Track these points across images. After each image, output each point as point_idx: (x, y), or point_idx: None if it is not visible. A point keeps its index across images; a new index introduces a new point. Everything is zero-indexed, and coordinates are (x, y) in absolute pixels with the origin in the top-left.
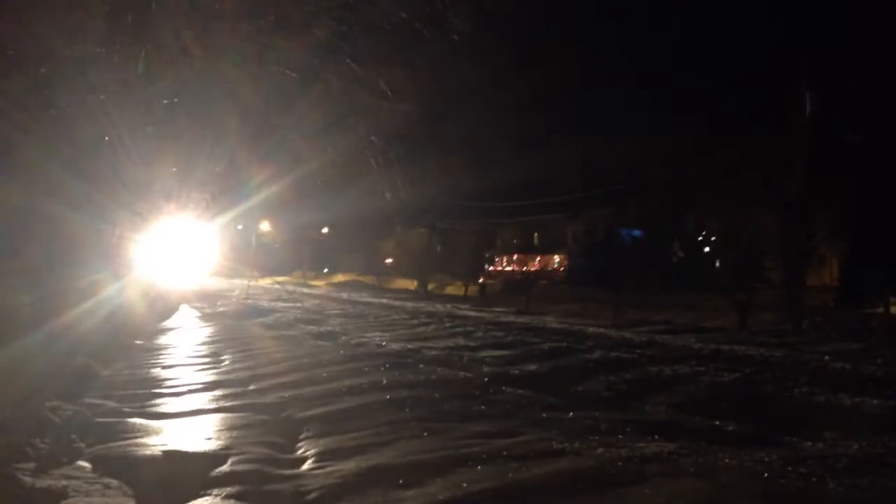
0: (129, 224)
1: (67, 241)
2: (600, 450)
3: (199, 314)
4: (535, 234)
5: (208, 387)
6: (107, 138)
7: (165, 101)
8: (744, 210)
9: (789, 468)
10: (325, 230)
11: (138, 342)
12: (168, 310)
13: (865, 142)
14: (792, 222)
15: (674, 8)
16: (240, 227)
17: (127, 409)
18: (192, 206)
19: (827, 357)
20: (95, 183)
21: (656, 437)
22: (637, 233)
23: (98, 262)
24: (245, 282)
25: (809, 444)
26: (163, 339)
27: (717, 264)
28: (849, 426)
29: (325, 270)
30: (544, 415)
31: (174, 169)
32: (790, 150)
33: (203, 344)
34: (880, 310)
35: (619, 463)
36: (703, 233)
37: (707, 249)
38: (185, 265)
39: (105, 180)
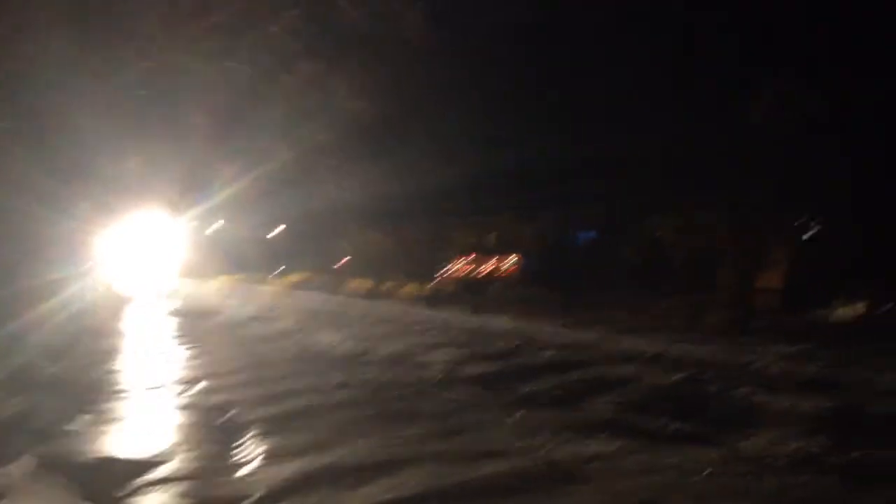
0: (96, 220)
1: (31, 237)
2: (546, 449)
3: (154, 313)
4: (491, 234)
5: (155, 387)
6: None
7: (133, 94)
8: (697, 212)
9: (729, 466)
10: (279, 228)
11: (87, 342)
12: (124, 309)
13: (816, 145)
14: (742, 225)
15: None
16: (215, 225)
17: (70, 410)
18: (160, 202)
19: (771, 358)
20: (61, 177)
21: (602, 436)
22: (592, 234)
23: (63, 258)
24: (205, 281)
25: (749, 442)
26: (113, 339)
27: (670, 266)
28: (787, 426)
29: (282, 268)
30: (493, 415)
31: (142, 164)
32: (743, 152)
33: (152, 343)
34: (826, 312)
35: (565, 462)
36: (657, 234)
37: (660, 252)
38: (151, 263)
39: (71, 175)
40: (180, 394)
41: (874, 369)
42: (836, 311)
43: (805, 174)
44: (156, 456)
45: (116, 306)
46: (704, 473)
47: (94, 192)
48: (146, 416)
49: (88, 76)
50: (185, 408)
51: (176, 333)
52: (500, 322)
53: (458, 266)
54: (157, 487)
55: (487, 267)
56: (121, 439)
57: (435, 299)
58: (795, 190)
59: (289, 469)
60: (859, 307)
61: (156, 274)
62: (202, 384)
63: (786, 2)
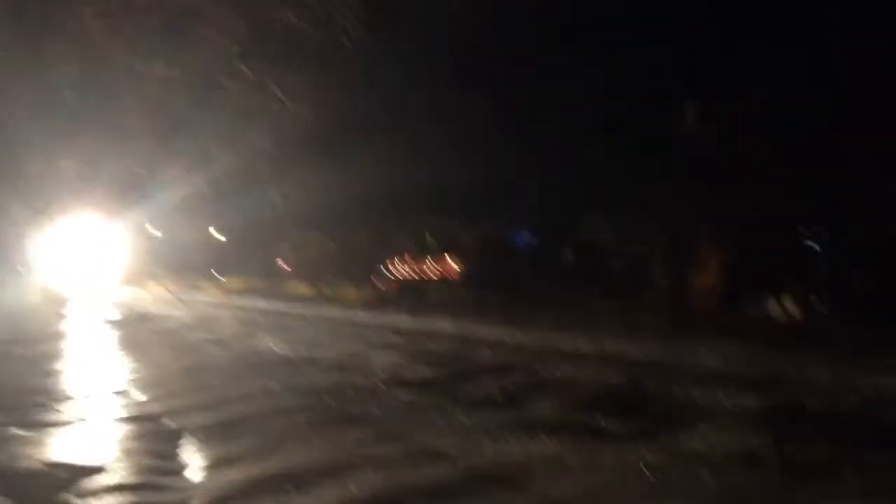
0: (31, 222)
1: None
2: (489, 450)
3: (89, 319)
4: (431, 238)
5: (91, 395)
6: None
7: (66, 94)
8: (634, 214)
9: (670, 463)
10: (220, 233)
11: (20, 349)
12: (59, 313)
13: (749, 151)
14: (677, 226)
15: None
16: (154, 230)
17: (1, 419)
18: (98, 205)
19: (707, 357)
20: None
21: (544, 436)
22: (530, 237)
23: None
24: (143, 286)
25: (689, 439)
26: (48, 345)
27: (608, 269)
28: (725, 423)
29: (221, 276)
30: (437, 418)
31: (77, 165)
32: (676, 155)
33: (88, 350)
34: (760, 313)
35: (509, 462)
36: (595, 237)
37: (598, 255)
38: (89, 267)
39: (7, 177)
40: (116, 401)
41: (808, 367)
42: (771, 311)
43: (739, 180)
44: (92, 465)
45: (51, 311)
46: (646, 471)
47: (25, 193)
48: (81, 425)
49: (21, 74)
50: (121, 416)
51: (112, 340)
52: (442, 324)
53: (400, 269)
54: (95, 496)
55: (428, 270)
56: (55, 448)
57: (376, 302)
58: (731, 194)
59: (229, 476)
60: (793, 309)
61: (94, 279)
62: (139, 391)
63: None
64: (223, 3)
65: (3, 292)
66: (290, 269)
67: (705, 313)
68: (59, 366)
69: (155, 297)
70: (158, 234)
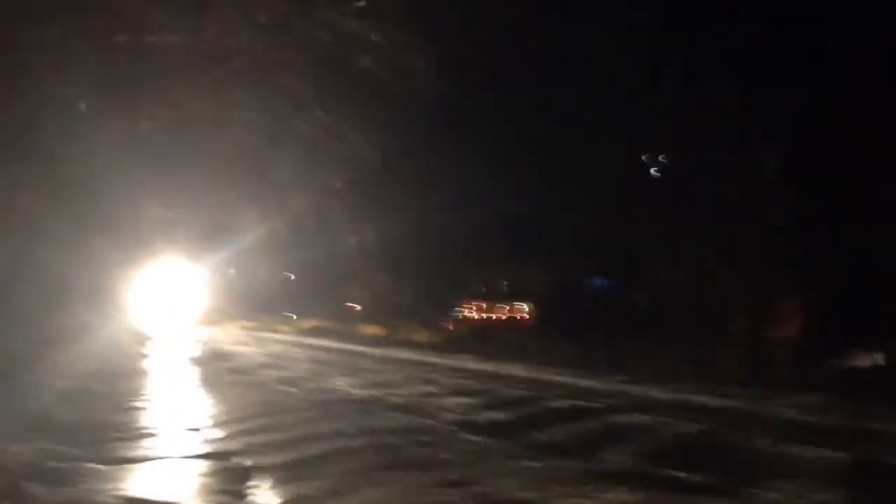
0: (120, 265)
1: (58, 283)
2: (564, 500)
3: (170, 358)
4: (503, 281)
5: (166, 432)
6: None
7: (153, 142)
8: (710, 261)
9: None
10: (292, 274)
11: (101, 385)
12: (141, 353)
13: (824, 198)
14: (757, 275)
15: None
16: (231, 270)
17: (81, 454)
18: (180, 248)
19: (788, 409)
20: (87, 225)
21: (620, 487)
22: (604, 282)
23: (87, 303)
24: (221, 326)
25: (770, 494)
26: (128, 382)
27: (683, 314)
28: (807, 477)
29: (293, 316)
30: (508, 463)
31: (162, 210)
32: (749, 203)
33: (166, 388)
34: (842, 363)
35: None
36: (669, 283)
37: (673, 301)
38: (171, 308)
39: (97, 222)
40: (191, 438)
41: (893, 421)
42: (853, 361)
43: (813, 226)
44: (165, 500)
45: (135, 349)
46: None
47: (120, 239)
48: (156, 461)
49: (110, 127)
50: (196, 453)
51: (188, 378)
52: (513, 369)
53: (471, 312)
54: None
55: (500, 313)
56: (130, 484)
57: (447, 345)
58: (805, 241)
59: None
60: (877, 358)
61: (176, 318)
62: (213, 429)
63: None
64: (301, 51)
65: (93, 332)
66: (360, 310)
67: (785, 362)
68: (137, 402)
69: (230, 336)
70: (232, 272)
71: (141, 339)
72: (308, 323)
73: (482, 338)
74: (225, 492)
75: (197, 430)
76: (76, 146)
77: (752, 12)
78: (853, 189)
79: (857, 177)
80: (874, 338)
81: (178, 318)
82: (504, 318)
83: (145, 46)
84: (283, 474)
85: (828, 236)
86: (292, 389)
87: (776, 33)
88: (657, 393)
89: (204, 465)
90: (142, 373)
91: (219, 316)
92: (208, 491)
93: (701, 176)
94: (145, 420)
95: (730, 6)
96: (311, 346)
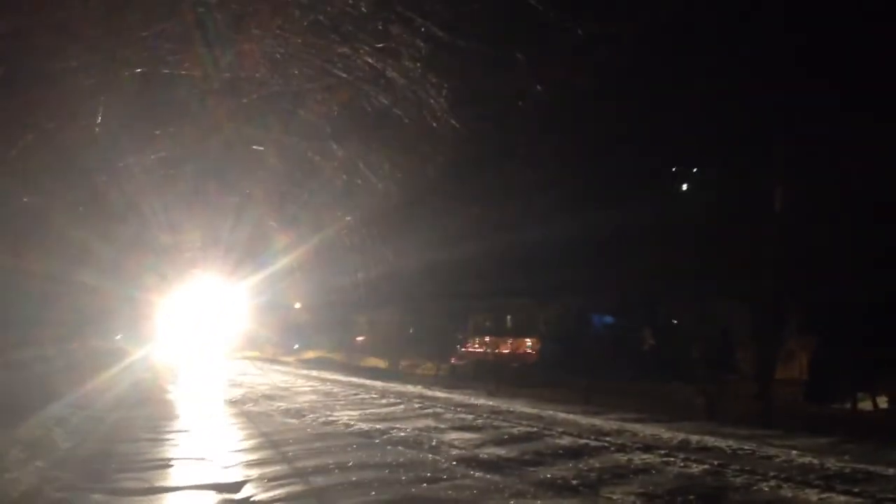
0: (156, 289)
1: (96, 307)
2: None
3: (183, 390)
4: (508, 316)
5: (174, 463)
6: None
7: (191, 168)
8: (716, 301)
9: None
10: (297, 305)
11: (116, 414)
12: (162, 385)
13: (832, 236)
14: (762, 315)
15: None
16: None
17: (88, 485)
18: (217, 270)
19: (795, 451)
20: (123, 249)
21: None
22: (609, 319)
23: (124, 327)
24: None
25: None
26: (142, 411)
27: (688, 353)
28: None
29: (296, 347)
30: (511, 501)
31: (199, 233)
32: (761, 243)
33: (176, 420)
34: (848, 405)
35: None
36: (675, 322)
37: (678, 339)
38: (203, 336)
39: (133, 246)
40: (198, 469)
41: None
42: (859, 403)
43: (827, 264)
44: None
45: (155, 381)
46: None
47: (155, 262)
48: (167, 493)
49: (147, 152)
50: (200, 483)
51: (200, 409)
52: (518, 405)
53: (476, 347)
54: None
55: (504, 349)
56: None
57: (452, 380)
58: (812, 281)
59: None
60: (881, 401)
61: (196, 347)
62: (217, 460)
63: None
64: (316, 86)
65: (127, 358)
66: (366, 342)
67: (792, 402)
68: (144, 433)
69: (237, 367)
70: (240, 307)
71: (170, 371)
72: (314, 353)
73: (487, 373)
74: None
75: (203, 459)
76: (112, 171)
77: None
78: (860, 228)
79: (863, 217)
80: (879, 380)
81: (197, 347)
82: (509, 353)
83: (163, 77)
84: None
85: (834, 277)
86: (295, 421)
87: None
88: (662, 432)
89: (210, 497)
90: (147, 402)
91: (238, 347)
92: None
93: (710, 213)
94: (152, 450)
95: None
96: (316, 378)
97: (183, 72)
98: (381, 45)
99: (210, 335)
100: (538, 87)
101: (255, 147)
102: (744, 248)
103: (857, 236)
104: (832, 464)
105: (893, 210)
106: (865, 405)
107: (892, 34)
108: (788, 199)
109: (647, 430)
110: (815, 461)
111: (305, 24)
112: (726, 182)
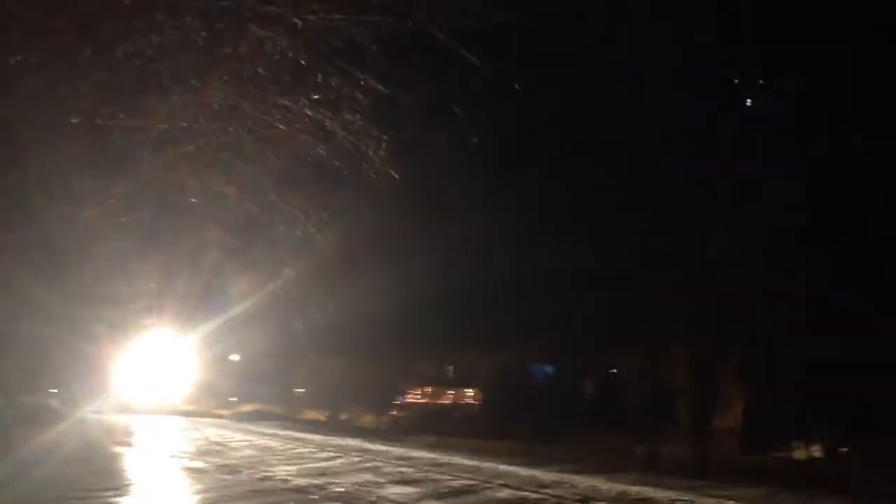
0: (108, 340)
1: (42, 359)
2: None
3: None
4: (450, 366)
5: None
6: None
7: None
8: (655, 351)
9: None
10: (234, 357)
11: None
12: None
13: (769, 286)
14: (699, 366)
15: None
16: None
17: None
18: (162, 323)
19: (731, 502)
20: (75, 299)
21: None
22: (550, 368)
23: (73, 380)
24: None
25: None
26: (77, 468)
27: (627, 402)
28: None
29: (234, 399)
30: None
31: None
32: (697, 294)
33: (105, 477)
34: (784, 454)
35: None
36: (615, 371)
37: (618, 388)
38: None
39: (85, 296)
40: None
41: None
42: (793, 452)
43: (755, 317)
44: None
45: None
46: None
47: (108, 312)
48: None
49: (83, 202)
50: None
51: (132, 467)
52: (458, 458)
53: (417, 397)
54: None
55: (446, 399)
56: None
57: (393, 432)
58: (748, 332)
59: None
60: (815, 450)
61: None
62: None
63: None
64: (255, 137)
65: (76, 412)
66: (305, 393)
67: (727, 453)
68: (73, 490)
69: (172, 421)
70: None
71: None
72: (252, 406)
73: (428, 423)
74: None
75: None
76: (62, 217)
77: None
78: (795, 280)
79: (797, 269)
80: (812, 429)
81: (139, 402)
82: (451, 402)
83: (98, 128)
84: None
85: (771, 328)
86: (230, 477)
87: None
88: (601, 483)
89: None
90: (76, 461)
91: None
92: None
93: (649, 266)
94: None
95: None
96: (253, 432)
97: (118, 123)
98: (319, 97)
99: (154, 389)
100: (475, 140)
101: (193, 200)
102: (681, 297)
103: (792, 287)
104: None
105: (825, 262)
106: (800, 454)
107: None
108: (724, 250)
109: (586, 482)
110: None
111: (245, 75)
112: (663, 230)
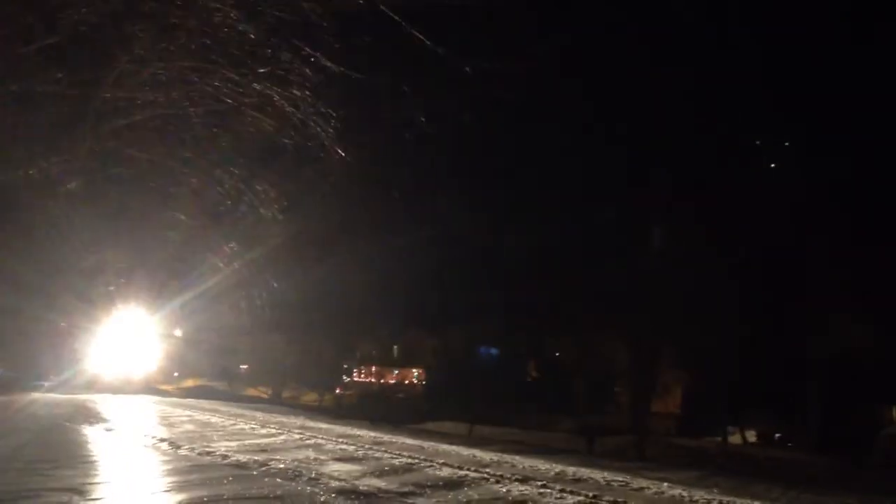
0: (80, 314)
1: (17, 332)
2: None
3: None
4: (395, 346)
5: (35, 494)
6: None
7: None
8: (597, 336)
9: None
10: (177, 333)
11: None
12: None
13: (707, 278)
14: (639, 351)
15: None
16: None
17: None
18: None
19: (666, 483)
20: (48, 272)
21: None
22: (494, 351)
23: (45, 354)
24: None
25: None
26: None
27: (569, 385)
28: None
29: (176, 374)
30: None
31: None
32: (638, 281)
33: (43, 449)
34: (719, 438)
35: None
36: (558, 354)
37: (561, 371)
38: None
39: (58, 269)
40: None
41: (767, 497)
42: (730, 437)
43: (699, 305)
44: None
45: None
46: None
47: (80, 285)
48: None
49: (29, 169)
50: None
51: (71, 439)
52: (401, 436)
53: (362, 376)
54: None
55: (391, 379)
56: None
57: (336, 410)
58: (690, 319)
59: None
60: (750, 434)
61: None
62: (89, 492)
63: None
64: (201, 110)
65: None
66: (248, 370)
67: (664, 436)
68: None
69: (115, 397)
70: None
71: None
72: (194, 382)
73: (372, 402)
74: None
75: (67, 492)
76: (36, 195)
77: None
78: (731, 270)
79: (734, 262)
80: (748, 414)
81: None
82: (396, 382)
83: (42, 95)
84: None
85: (709, 317)
86: (172, 452)
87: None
88: (540, 463)
89: None
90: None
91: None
92: None
93: (592, 252)
94: (10, 481)
95: None
96: (195, 407)
97: (61, 90)
98: (268, 72)
99: (115, 365)
100: (423, 119)
101: (136, 170)
102: (623, 284)
103: (728, 277)
104: (700, 496)
105: (759, 255)
106: (735, 439)
107: (772, 85)
108: (666, 240)
109: (526, 462)
110: (685, 493)
111: (193, 47)
112: (609, 221)
